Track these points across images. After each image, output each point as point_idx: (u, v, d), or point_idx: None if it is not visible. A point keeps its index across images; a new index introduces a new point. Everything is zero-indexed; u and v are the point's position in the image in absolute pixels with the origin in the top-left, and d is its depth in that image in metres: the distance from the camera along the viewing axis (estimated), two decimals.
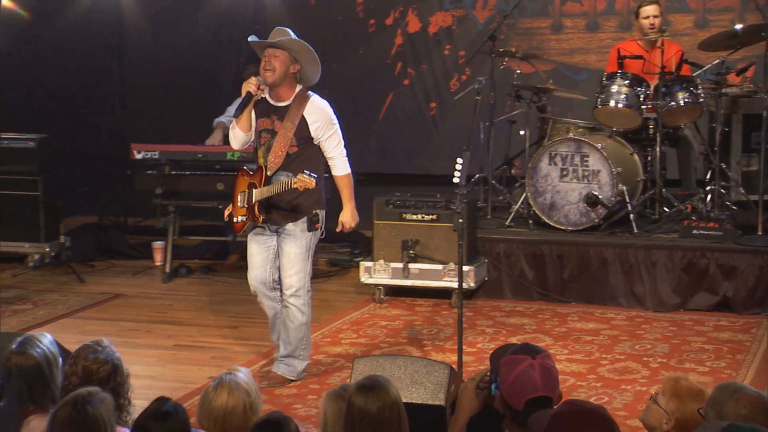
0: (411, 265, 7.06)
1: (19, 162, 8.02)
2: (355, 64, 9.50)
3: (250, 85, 5.35)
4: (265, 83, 5.35)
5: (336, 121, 5.48)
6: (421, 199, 7.11)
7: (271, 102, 5.42)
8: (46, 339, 3.75)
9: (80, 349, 3.77)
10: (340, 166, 5.49)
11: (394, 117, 9.54)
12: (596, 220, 7.20)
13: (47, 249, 8.03)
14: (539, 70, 8.17)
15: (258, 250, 5.49)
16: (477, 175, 7.88)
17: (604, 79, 7.45)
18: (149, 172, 7.73)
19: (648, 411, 3.41)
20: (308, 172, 5.14)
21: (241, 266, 8.14)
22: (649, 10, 7.59)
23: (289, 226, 5.42)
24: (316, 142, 5.40)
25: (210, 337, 6.37)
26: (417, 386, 4.28)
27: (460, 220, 5.07)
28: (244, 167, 5.61)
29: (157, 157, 7.61)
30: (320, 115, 5.40)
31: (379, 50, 9.47)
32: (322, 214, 5.52)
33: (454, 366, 4.49)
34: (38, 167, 7.99)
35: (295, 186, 5.18)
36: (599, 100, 7.39)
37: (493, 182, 7.85)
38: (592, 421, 2.82)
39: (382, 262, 7.12)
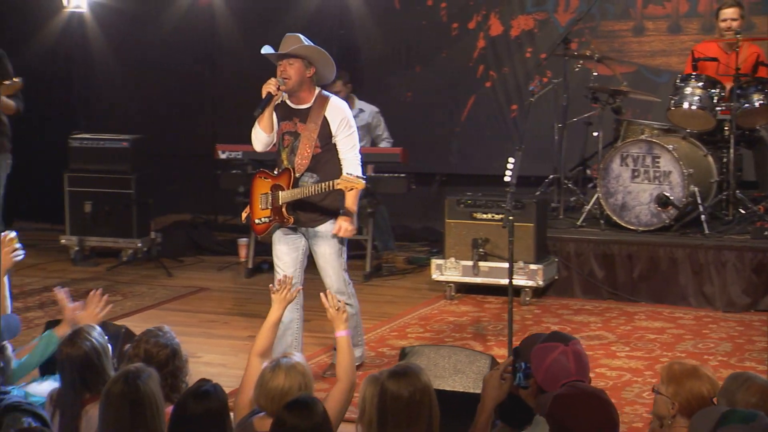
0: (481, 263, 7.22)
1: (113, 161, 8.48)
2: (438, 67, 9.68)
3: (270, 86, 5.41)
4: (284, 89, 5.44)
5: (354, 124, 5.58)
6: (491, 199, 7.27)
7: (292, 105, 5.52)
8: (95, 331, 4.00)
9: (142, 334, 4.07)
10: (351, 166, 5.50)
11: (476, 119, 9.69)
12: (667, 221, 7.26)
13: (139, 244, 8.47)
14: (616, 72, 8.23)
15: (287, 250, 5.56)
16: (551, 176, 8.01)
17: (678, 80, 7.50)
18: (234, 171, 8.08)
19: (655, 404, 3.52)
20: (354, 174, 5.26)
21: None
22: (728, 13, 7.59)
23: (320, 227, 5.50)
24: (333, 141, 5.49)
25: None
26: (459, 375, 4.47)
27: (510, 218, 5.22)
28: (263, 169, 5.69)
29: (240, 156, 7.96)
30: (340, 115, 5.49)
31: (462, 53, 9.63)
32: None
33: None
34: (131, 166, 8.43)
35: (339, 187, 5.27)
36: (673, 102, 7.45)
37: (567, 183, 7.95)
38: (591, 403, 2.97)
39: (452, 260, 7.30)
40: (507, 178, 5.33)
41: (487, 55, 9.59)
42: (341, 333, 4.31)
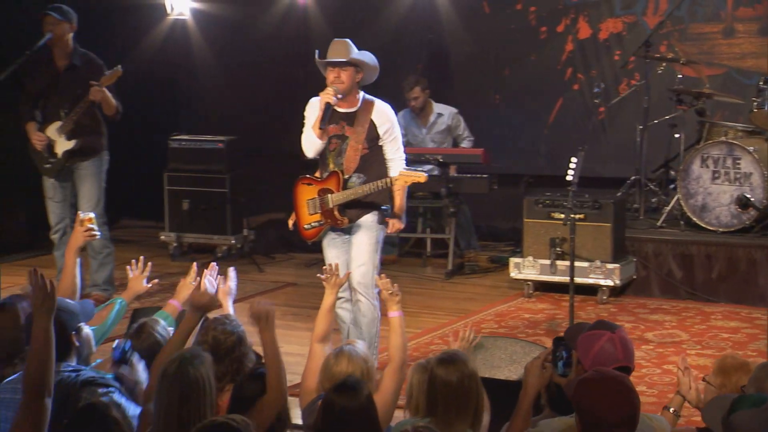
0: (558, 262, 7.36)
1: (209, 161, 8.89)
2: (526, 70, 9.80)
3: (328, 96, 5.58)
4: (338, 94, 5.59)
5: (398, 126, 5.79)
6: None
7: (339, 109, 5.66)
8: (158, 325, 4.36)
9: (210, 321, 4.34)
10: (398, 167, 5.68)
11: (564, 121, 9.77)
12: (747, 222, 7.27)
13: (233, 241, 8.85)
14: (702, 74, 8.25)
15: (337, 254, 5.69)
16: (632, 177, 8.08)
17: (761, 83, 7.51)
18: None
19: (704, 394, 3.65)
20: (413, 168, 5.45)
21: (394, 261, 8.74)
22: None
23: (363, 218, 5.65)
24: (380, 143, 5.66)
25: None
26: (515, 365, 4.66)
27: (572, 215, 5.35)
28: (306, 176, 5.82)
29: None
30: (386, 118, 5.68)
31: (550, 56, 9.72)
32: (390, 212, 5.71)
33: None
34: (226, 166, 8.82)
35: (399, 183, 5.47)
36: (756, 104, 7.45)
37: (649, 184, 8.01)
38: (613, 387, 3.12)
39: (530, 258, 7.46)
40: (569, 177, 5.47)
41: (575, 58, 9.67)
42: (394, 314, 4.53)
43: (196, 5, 10.21)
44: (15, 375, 3.93)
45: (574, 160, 5.54)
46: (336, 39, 5.73)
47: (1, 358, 4.06)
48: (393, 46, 10.06)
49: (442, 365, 3.79)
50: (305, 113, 5.82)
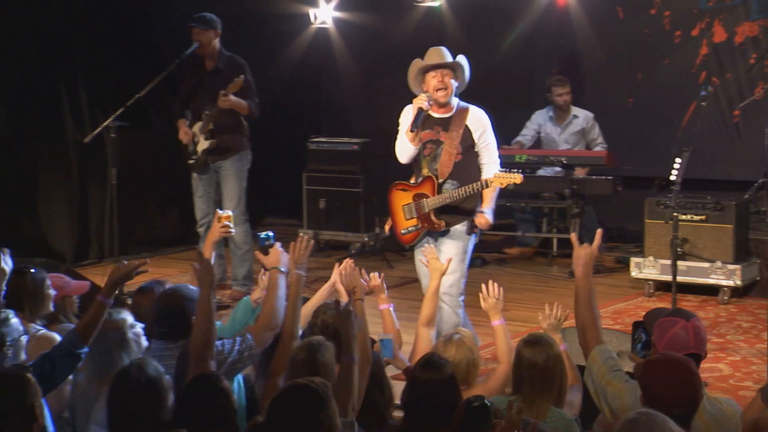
0: (679, 262, 7.41)
1: (345, 163, 9.31)
2: (660, 73, 9.82)
3: (421, 102, 5.71)
4: (438, 102, 5.73)
5: (492, 131, 5.86)
6: (691, 200, 7.45)
7: (434, 115, 5.78)
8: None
9: (321, 306, 4.71)
10: (491, 171, 5.77)
11: (697, 124, 9.76)
12: None
13: (365, 238, 9.24)
14: None
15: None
16: (761, 180, 8.05)
17: None
18: None
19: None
20: (506, 169, 5.57)
21: (526, 257, 8.94)
22: None
23: (454, 226, 5.75)
24: (476, 149, 5.76)
25: (479, 317, 7.10)
26: None
27: (674, 214, 5.46)
28: (399, 182, 5.93)
29: None
30: (481, 123, 5.78)
31: (684, 60, 9.72)
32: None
33: None
34: (360, 167, 9.22)
35: (494, 185, 5.59)
36: None
37: None
38: (677, 370, 3.31)
39: (651, 258, 7.55)
40: (673, 177, 5.59)
41: (710, 62, 9.64)
42: (496, 322, 4.77)
43: (338, 14, 10.67)
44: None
45: (678, 160, 5.67)
46: (433, 47, 5.85)
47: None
48: (526, 51, 10.27)
49: (528, 346, 4.02)
50: (399, 120, 5.94)
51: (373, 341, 4.60)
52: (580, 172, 8.62)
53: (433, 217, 5.76)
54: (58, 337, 4.56)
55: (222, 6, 8.42)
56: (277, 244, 4.53)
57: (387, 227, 6.00)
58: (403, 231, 5.91)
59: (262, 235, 4.61)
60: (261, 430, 3.25)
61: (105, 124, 7.65)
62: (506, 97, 10.13)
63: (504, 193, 8.57)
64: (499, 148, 5.91)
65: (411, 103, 5.92)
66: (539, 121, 9.05)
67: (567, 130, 8.93)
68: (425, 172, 5.82)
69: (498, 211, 9.15)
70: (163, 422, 3.52)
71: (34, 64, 8.84)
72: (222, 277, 7.96)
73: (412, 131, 5.78)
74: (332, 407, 3.14)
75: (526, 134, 9.00)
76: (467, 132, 5.76)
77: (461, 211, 5.76)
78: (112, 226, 7.64)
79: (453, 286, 5.73)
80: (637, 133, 9.68)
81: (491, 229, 9.00)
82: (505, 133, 9.30)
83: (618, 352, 4.81)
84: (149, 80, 7.63)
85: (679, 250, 7.39)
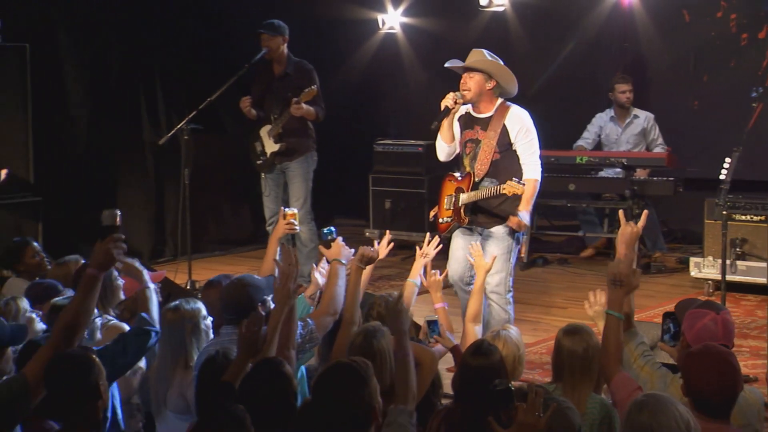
0: (738, 262, 7.48)
1: (410, 164, 9.52)
2: (726, 76, 9.82)
3: (447, 100, 5.83)
4: (464, 100, 5.87)
5: (534, 129, 5.88)
6: (750, 201, 7.50)
7: (474, 114, 5.92)
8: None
9: (376, 298, 4.90)
10: (530, 170, 5.84)
11: (764, 127, 9.73)
12: None
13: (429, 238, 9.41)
14: None
15: (462, 245, 5.94)
16: None
17: None
18: None
19: None
20: (517, 180, 5.61)
21: (593, 258, 9.03)
22: None
23: (494, 228, 5.86)
24: (514, 148, 5.84)
25: (538, 314, 7.32)
26: (656, 349, 4.92)
27: (724, 212, 5.55)
28: (451, 173, 6.08)
29: None
30: (519, 122, 5.83)
31: (751, 63, 9.71)
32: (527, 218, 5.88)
33: None
34: (424, 169, 9.42)
35: (504, 192, 5.63)
36: None
37: None
38: (717, 361, 3.44)
39: (710, 258, 7.62)
40: (722, 177, 5.66)
41: None
42: (438, 305, 4.97)
43: (405, 20, 10.89)
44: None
45: (728, 160, 5.74)
46: (475, 48, 5.95)
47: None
48: (590, 55, 10.37)
49: (568, 336, 4.16)
50: (434, 127, 6.07)
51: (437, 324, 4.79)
52: (641, 173, 8.70)
53: (462, 212, 5.90)
54: (126, 326, 4.81)
55: (292, 12, 8.71)
56: (339, 238, 4.74)
57: (432, 213, 6.16)
58: (441, 220, 6.10)
59: (325, 230, 4.88)
60: (308, 407, 3.45)
61: (179, 126, 7.97)
62: (570, 101, 10.25)
63: (566, 194, 8.77)
64: (541, 148, 5.98)
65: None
66: (600, 123, 9.15)
67: (628, 130, 9.02)
68: (467, 168, 6.00)
69: (561, 212, 9.37)
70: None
71: (113, 68, 9.21)
72: None
73: (432, 127, 5.96)
74: (373, 385, 3.30)
75: (588, 137, 9.10)
76: (505, 131, 5.85)
77: (498, 213, 5.87)
78: (185, 225, 7.93)
79: (500, 285, 5.87)
80: (701, 135, 9.70)
81: (554, 229, 9.27)
82: (568, 136, 9.46)
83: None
84: (221, 84, 7.92)
85: (738, 250, 7.49)
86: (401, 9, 10.83)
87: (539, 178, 5.89)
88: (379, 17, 10.89)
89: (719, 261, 7.53)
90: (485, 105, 5.93)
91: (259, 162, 8.08)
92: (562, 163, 8.65)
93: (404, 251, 9.59)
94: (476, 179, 5.90)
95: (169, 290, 6.13)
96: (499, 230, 5.89)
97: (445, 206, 6.09)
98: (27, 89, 8.04)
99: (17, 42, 7.99)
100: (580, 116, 9.51)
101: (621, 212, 4.63)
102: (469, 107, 5.98)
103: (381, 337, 4.16)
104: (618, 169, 8.73)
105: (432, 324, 4.77)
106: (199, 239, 9.16)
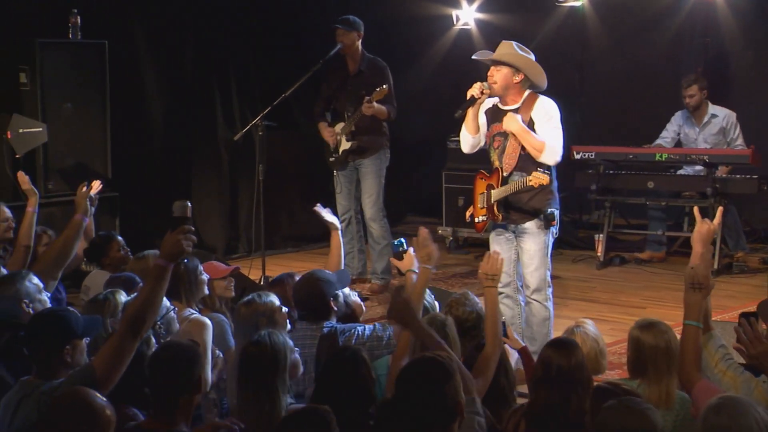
0: None
1: (483, 161, 9.09)
2: None
3: (474, 89, 5.73)
4: (491, 93, 5.74)
5: (557, 116, 5.72)
6: None
7: (501, 107, 5.80)
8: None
9: (452, 300, 4.78)
10: (547, 156, 5.67)
11: None
12: None
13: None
14: None
15: (500, 250, 5.56)
16: None
17: None
18: (588, 171, 8.68)
19: None
20: (542, 170, 5.50)
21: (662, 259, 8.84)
22: None
23: (527, 224, 5.75)
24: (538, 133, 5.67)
25: (616, 314, 7.18)
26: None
27: None
28: (482, 170, 6.00)
29: (593, 157, 8.54)
30: (545, 113, 5.69)
31: None
32: (557, 213, 5.79)
33: None
34: None
35: (530, 183, 5.52)
36: None
37: None
38: None
39: None
40: None
41: None
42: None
43: (480, 15, 10.79)
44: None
45: None
46: (504, 41, 5.84)
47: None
48: (672, 50, 10.17)
49: (645, 331, 4.03)
50: (457, 116, 5.95)
51: (505, 325, 4.71)
52: (722, 171, 8.49)
53: (495, 209, 5.83)
54: (208, 321, 4.81)
55: (366, 8, 8.67)
56: (410, 249, 4.69)
57: (468, 213, 6.08)
58: (476, 219, 6.02)
59: (395, 242, 4.79)
60: (391, 402, 3.41)
61: (254, 122, 7.98)
62: (651, 98, 10.06)
63: (644, 192, 8.59)
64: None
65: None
66: (679, 122, 8.93)
67: (705, 130, 8.76)
68: (496, 164, 5.90)
69: (637, 210, 9.17)
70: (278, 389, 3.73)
71: (188, 64, 9.25)
72: (362, 271, 8.20)
73: (456, 116, 5.86)
74: (457, 379, 3.25)
75: (666, 136, 8.88)
76: (531, 123, 5.74)
77: (529, 209, 5.77)
78: (259, 221, 7.95)
79: (540, 281, 5.79)
80: None
81: (632, 228, 9.07)
82: (647, 134, 9.25)
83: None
84: (295, 80, 7.92)
85: None
86: (476, 5, 10.74)
87: (550, 146, 5.68)
88: (454, 13, 10.82)
89: None
90: (512, 98, 5.81)
91: (331, 159, 8.06)
92: (641, 160, 8.47)
93: (477, 249, 9.51)
94: (505, 174, 5.81)
95: (243, 285, 6.13)
96: (532, 226, 5.79)
97: (479, 205, 6.01)
98: (105, 86, 8.12)
99: (96, 39, 8.07)
100: (660, 114, 9.30)
101: (696, 209, 4.47)
102: (496, 100, 5.87)
103: (444, 326, 4.13)
104: (698, 167, 8.52)
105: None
106: (272, 236, 9.16)
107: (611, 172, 8.61)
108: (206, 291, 5.20)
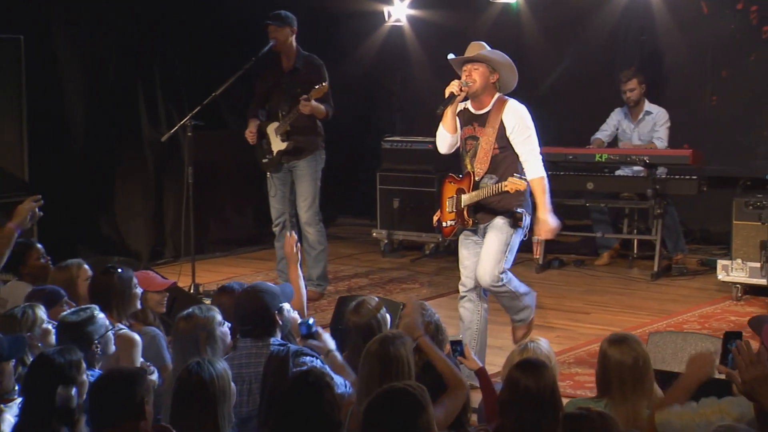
0: None
1: (419, 162, 9.17)
2: (746, 71, 9.50)
3: (453, 86, 5.56)
4: (470, 90, 5.58)
5: (531, 125, 5.61)
6: None
7: (473, 111, 5.67)
8: (374, 301, 4.57)
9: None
10: (532, 168, 5.55)
11: None
12: None
13: (440, 239, 9.08)
14: None
15: (468, 255, 5.72)
16: None
17: None
18: None
19: None
20: (518, 175, 5.37)
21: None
22: None
23: (495, 220, 5.59)
24: (512, 144, 5.56)
25: (562, 320, 6.99)
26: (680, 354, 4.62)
27: None
28: (451, 174, 5.84)
29: None
30: (515, 118, 5.56)
31: None
32: (527, 218, 5.64)
33: None
34: (434, 167, 9.06)
35: (506, 189, 5.38)
36: None
37: None
38: None
39: (739, 261, 7.29)
40: None
41: None
42: None
43: (412, 12, 10.55)
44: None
45: None
46: (473, 41, 5.72)
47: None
48: (606, 48, 10.04)
49: (614, 346, 3.82)
50: (439, 112, 5.77)
51: (462, 344, 4.47)
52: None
53: (465, 214, 5.67)
54: (137, 338, 4.51)
55: (296, 4, 8.34)
56: (320, 330, 4.44)
57: (435, 218, 5.91)
58: (444, 224, 5.84)
59: (304, 324, 4.46)
60: None
61: (182, 122, 7.62)
62: (586, 96, 9.92)
63: (583, 193, 8.43)
64: (541, 146, 5.69)
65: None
66: (618, 116, 8.83)
67: (640, 126, 8.67)
68: (468, 168, 5.71)
69: (576, 212, 9.02)
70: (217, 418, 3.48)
71: (111, 62, 8.86)
72: None
73: (437, 112, 5.68)
74: (430, 411, 3.03)
75: (606, 129, 8.77)
76: (502, 127, 5.59)
77: (496, 210, 5.62)
78: (188, 225, 7.60)
79: (490, 276, 5.57)
80: (720, 132, 9.40)
81: (568, 229, 8.91)
82: (584, 132, 9.11)
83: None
84: (224, 78, 7.58)
85: None
86: (408, 1, 10.50)
87: (545, 175, 5.61)
88: (386, 9, 10.57)
89: (749, 264, 7.24)
90: (485, 99, 5.66)
91: (265, 160, 7.73)
92: (581, 160, 8.31)
93: (413, 252, 9.28)
94: (476, 178, 5.64)
95: (174, 295, 5.78)
96: (498, 221, 5.61)
97: (447, 209, 5.82)
98: (21, 83, 7.73)
99: (11, 33, 7.66)
100: (597, 112, 9.17)
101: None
102: (467, 103, 5.73)
103: (401, 345, 3.87)
104: (636, 168, 8.39)
105: (455, 344, 4.44)
106: (199, 240, 8.80)
107: (550, 173, 8.34)
108: (139, 305, 4.93)
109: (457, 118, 5.75)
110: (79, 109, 8.69)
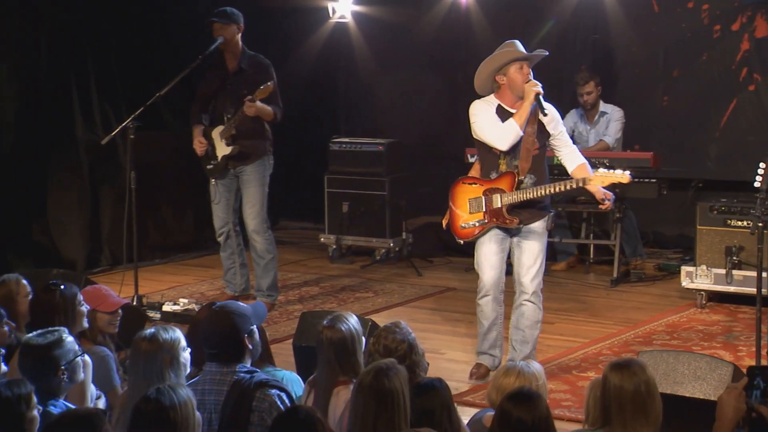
0: (734, 272, 6.99)
1: (369, 164, 8.85)
2: (698, 70, 9.37)
3: (537, 87, 5.62)
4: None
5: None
6: (746, 206, 7.00)
7: (509, 109, 5.67)
8: (352, 318, 4.26)
9: (381, 330, 4.27)
10: (578, 155, 5.79)
11: (737, 124, 9.31)
12: None
13: (391, 244, 8.79)
14: None
15: (496, 249, 5.70)
16: None
17: None
18: None
19: None
20: (611, 168, 5.50)
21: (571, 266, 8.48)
22: None
23: (535, 224, 5.65)
24: (552, 141, 5.71)
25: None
26: (699, 382, 4.38)
27: (759, 224, 5.04)
28: (463, 177, 5.86)
29: None
30: (554, 114, 5.70)
31: (724, 56, 9.27)
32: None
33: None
34: (385, 169, 8.76)
35: (594, 183, 5.56)
36: None
37: None
38: None
39: (704, 267, 7.11)
40: (757, 184, 5.18)
41: (751, 58, 9.18)
42: None
43: (357, 8, 10.21)
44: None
45: (762, 165, 5.21)
46: (507, 40, 5.84)
47: None
48: (557, 47, 9.80)
49: (615, 371, 3.57)
50: (474, 110, 5.74)
51: None
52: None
53: (504, 213, 5.61)
54: (87, 359, 4.12)
55: (237, 0, 7.95)
56: None
57: (444, 221, 5.91)
58: (462, 225, 5.80)
59: None
60: None
61: (124, 124, 7.19)
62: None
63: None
64: None
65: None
66: (574, 119, 8.62)
67: (596, 127, 8.50)
68: (503, 168, 5.67)
69: None
70: None
71: (42, 61, 8.40)
72: (245, 287, 7.50)
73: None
74: None
75: None
76: (541, 125, 5.64)
77: (537, 208, 5.67)
78: (130, 232, 7.17)
79: (537, 283, 5.69)
80: (672, 134, 9.27)
81: None
82: None
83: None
84: (164, 78, 7.18)
85: (735, 258, 6.98)
86: None
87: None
88: (329, 5, 10.22)
89: (714, 270, 7.06)
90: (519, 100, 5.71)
91: (209, 167, 7.32)
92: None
93: (362, 258, 8.95)
94: (521, 177, 5.64)
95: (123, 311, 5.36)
96: (539, 226, 5.68)
97: (469, 210, 5.75)
98: None
99: None
100: None
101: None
102: (500, 101, 5.73)
103: (394, 376, 3.58)
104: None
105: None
106: (138, 246, 8.35)
107: None
108: (85, 324, 4.58)
109: (495, 114, 5.68)
110: (8, 108, 8.25)
